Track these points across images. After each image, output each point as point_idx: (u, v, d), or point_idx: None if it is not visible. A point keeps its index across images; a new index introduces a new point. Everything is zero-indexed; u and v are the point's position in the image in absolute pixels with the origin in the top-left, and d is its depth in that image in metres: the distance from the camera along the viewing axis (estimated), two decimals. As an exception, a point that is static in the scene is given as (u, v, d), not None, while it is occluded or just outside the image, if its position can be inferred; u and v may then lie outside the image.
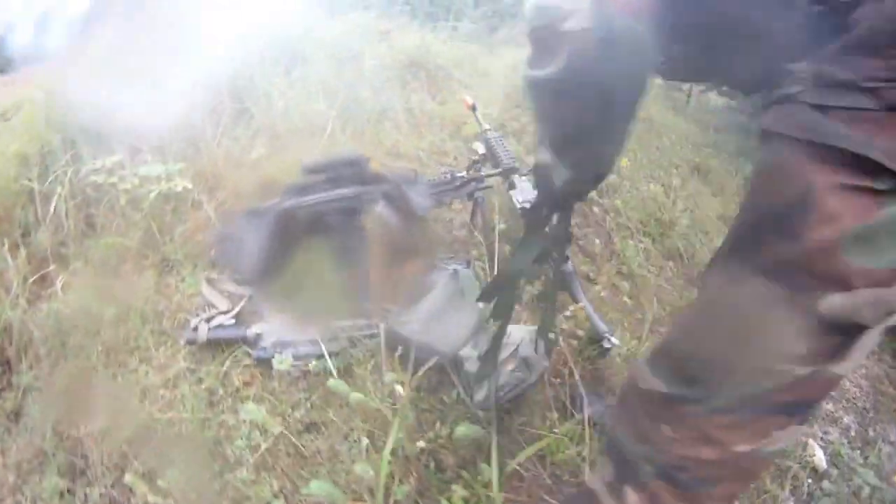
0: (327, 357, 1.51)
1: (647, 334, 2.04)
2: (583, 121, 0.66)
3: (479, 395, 1.43)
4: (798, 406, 0.68)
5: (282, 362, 1.48)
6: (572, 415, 1.63)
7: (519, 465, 1.44)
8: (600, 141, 0.69)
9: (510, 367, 1.38)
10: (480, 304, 1.63)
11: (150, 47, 1.62)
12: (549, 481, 1.47)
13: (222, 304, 1.69)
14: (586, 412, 1.58)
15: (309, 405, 1.49)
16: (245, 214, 1.88)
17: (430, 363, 1.40)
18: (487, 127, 2.26)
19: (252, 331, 1.60)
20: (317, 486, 1.20)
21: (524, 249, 0.98)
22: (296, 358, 1.55)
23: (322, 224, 1.84)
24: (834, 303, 0.56)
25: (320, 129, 2.11)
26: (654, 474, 0.76)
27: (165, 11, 1.67)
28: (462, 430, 1.30)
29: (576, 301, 1.81)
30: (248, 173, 1.85)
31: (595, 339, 1.77)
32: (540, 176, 0.79)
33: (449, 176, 1.94)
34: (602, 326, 1.75)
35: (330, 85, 2.26)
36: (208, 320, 1.60)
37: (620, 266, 2.31)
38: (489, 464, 1.35)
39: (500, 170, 1.99)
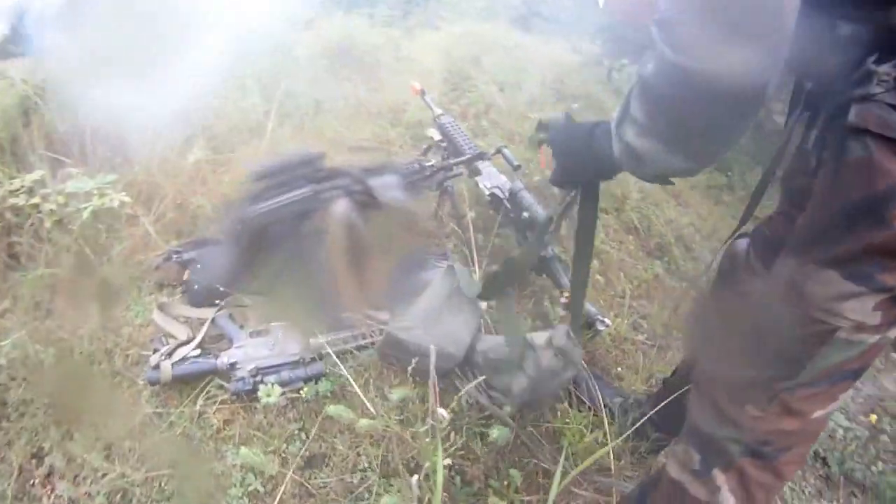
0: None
1: (627, 311, 2.02)
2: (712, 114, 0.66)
3: (517, 387, 1.32)
4: (862, 370, 0.77)
5: (269, 394, 1.28)
6: (581, 401, 1.56)
7: (538, 461, 1.36)
8: (725, 133, 0.70)
9: (546, 359, 1.27)
10: (481, 302, 1.52)
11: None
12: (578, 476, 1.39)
13: (181, 333, 1.45)
14: (600, 397, 1.52)
15: (304, 436, 1.31)
16: (202, 240, 1.67)
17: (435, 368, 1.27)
18: (440, 112, 2.14)
19: (223, 360, 1.38)
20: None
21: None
22: (281, 385, 1.36)
23: (281, 231, 1.66)
24: None
25: (259, 126, 1.89)
26: (740, 453, 0.82)
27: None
28: (495, 433, 1.19)
29: (559, 286, 1.74)
30: (187, 181, 1.61)
31: (588, 322, 1.72)
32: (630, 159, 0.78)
33: (417, 165, 1.81)
34: (592, 309, 1.70)
35: (262, 78, 2.05)
36: (169, 354, 1.36)
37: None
38: (517, 468, 1.25)
39: (468, 156, 1.88)
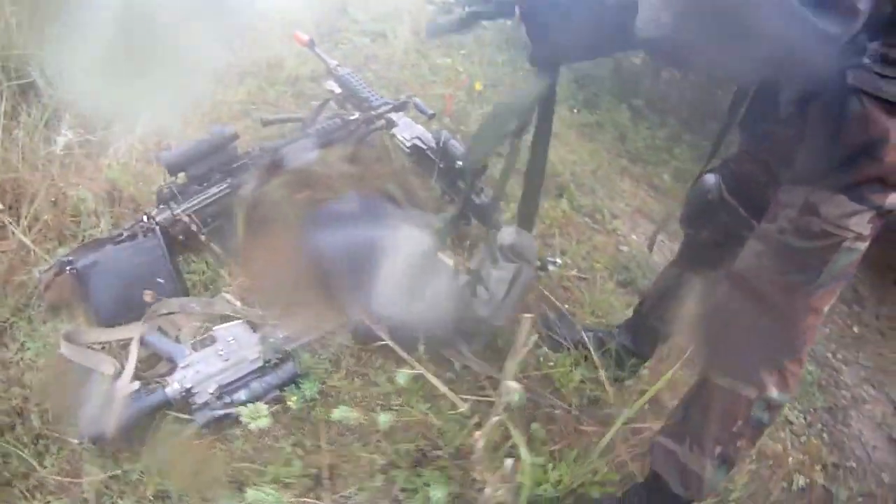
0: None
1: (550, 249, 2.05)
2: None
3: (484, 311, 1.25)
4: (853, 272, 0.97)
5: (255, 416, 1.06)
6: (555, 342, 1.55)
7: (539, 402, 1.34)
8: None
9: (498, 262, 1.20)
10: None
11: None
12: (575, 412, 1.38)
13: (105, 365, 1.14)
14: (589, 341, 1.52)
15: (300, 451, 1.11)
16: (97, 241, 1.32)
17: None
18: (335, 63, 1.93)
19: (175, 387, 1.11)
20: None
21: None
22: (254, 399, 1.14)
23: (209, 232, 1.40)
24: (893, 199, 0.89)
25: (128, 99, 1.53)
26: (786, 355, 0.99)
27: None
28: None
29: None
30: (59, 171, 1.24)
31: (540, 264, 1.70)
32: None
33: (339, 121, 1.61)
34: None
35: (113, 41, 1.65)
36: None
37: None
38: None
39: (390, 106, 1.72)
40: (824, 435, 1.80)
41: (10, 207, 1.22)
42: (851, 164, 0.88)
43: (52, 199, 1.26)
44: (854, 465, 1.75)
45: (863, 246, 0.93)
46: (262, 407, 1.08)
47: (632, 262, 2.09)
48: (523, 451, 0.88)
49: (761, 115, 1.07)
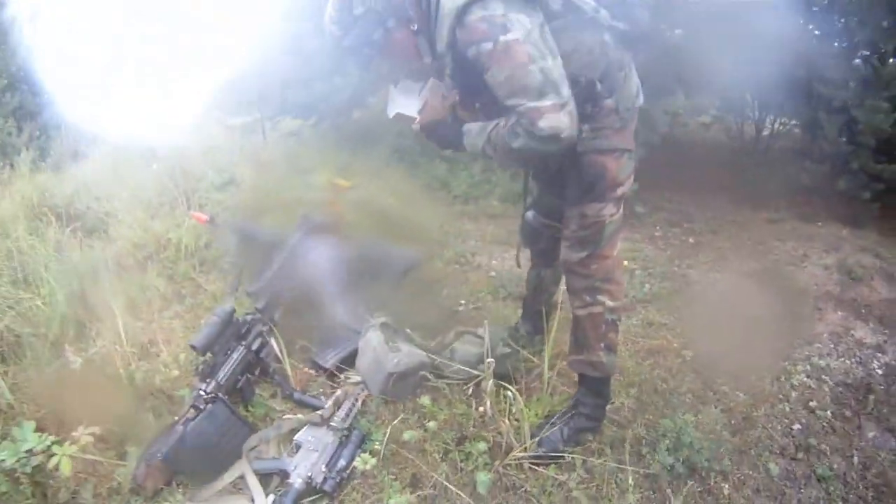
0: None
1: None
2: None
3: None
4: (620, 229, 1.70)
5: (366, 461, 1.62)
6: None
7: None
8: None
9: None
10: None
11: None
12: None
13: (239, 500, 1.59)
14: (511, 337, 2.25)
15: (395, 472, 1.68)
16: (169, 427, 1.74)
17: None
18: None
19: (300, 482, 1.60)
20: None
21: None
22: (349, 461, 1.69)
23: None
24: (619, 192, 1.61)
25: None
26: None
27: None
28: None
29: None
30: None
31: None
32: None
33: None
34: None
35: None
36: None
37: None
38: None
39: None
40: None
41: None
42: (595, 186, 1.59)
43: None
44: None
45: (618, 217, 1.63)
46: (368, 456, 1.64)
47: (503, 281, 2.82)
48: (517, 395, 1.58)
49: (543, 172, 1.83)
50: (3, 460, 1.55)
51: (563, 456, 1.72)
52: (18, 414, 1.86)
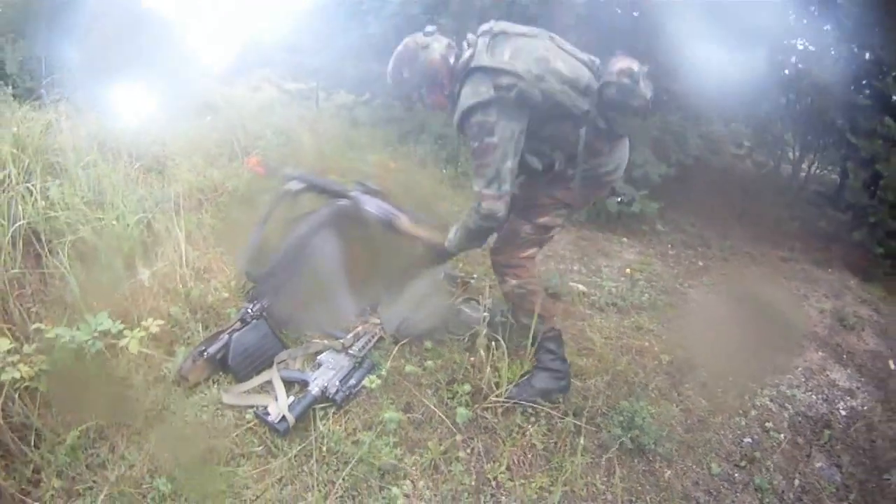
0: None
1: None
2: None
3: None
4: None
5: (372, 382, 2.18)
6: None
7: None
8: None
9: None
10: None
11: None
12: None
13: (263, 399, 2.13)
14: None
15: (392, 397, 2.20)
16: (216, 334, 2.30)
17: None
18: (290, 169, 2.97)
19: (316, 391, 2.11)
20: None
21: None
22: (359, 382, 2.21)
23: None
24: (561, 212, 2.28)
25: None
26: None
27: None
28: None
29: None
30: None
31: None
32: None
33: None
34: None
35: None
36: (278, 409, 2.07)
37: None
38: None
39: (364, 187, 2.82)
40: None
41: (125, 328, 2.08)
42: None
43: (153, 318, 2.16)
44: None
45: (534, 237, 2.24)
46: (374, 378, 2.16)
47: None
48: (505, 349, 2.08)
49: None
50: (72, 338, 2.02)
51: (531, 406, 2.22)
52: (87, 309, 2.39)
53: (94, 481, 1.83)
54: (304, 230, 2.48)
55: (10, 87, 4.45)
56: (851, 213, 4.49)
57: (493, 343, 2.29)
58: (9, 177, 2.78)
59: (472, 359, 2.36)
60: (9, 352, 1.90)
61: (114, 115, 3.93)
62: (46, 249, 2.55)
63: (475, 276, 3.04)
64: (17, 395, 1.90)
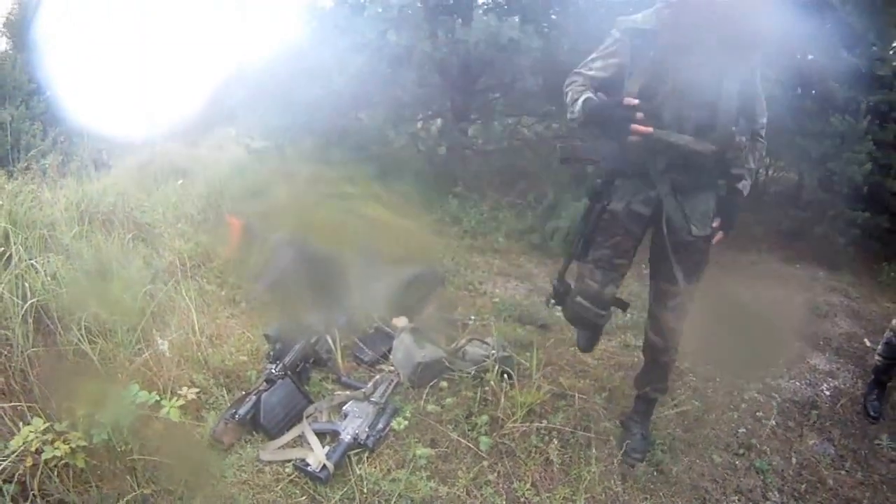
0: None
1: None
2: None
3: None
4: None
5: (399, 423, 2.52)
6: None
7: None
8: None
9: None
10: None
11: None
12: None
13: (298, 452, 2.46)
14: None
15: (417, 436, 2.56)
16: (244, 395, 2.62)
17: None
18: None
19: (348, 439, 2.44)
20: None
21: None
22: (386, 424, 2.56)
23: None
24: None
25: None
26: None
27: None
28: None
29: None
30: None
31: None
32: None
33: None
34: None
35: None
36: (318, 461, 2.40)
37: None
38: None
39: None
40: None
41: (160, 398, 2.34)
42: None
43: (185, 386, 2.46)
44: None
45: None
46: (399, 419, 2.51)
47: (505, 306, 3.73)
48: (515, 379, 2.47)
49: None
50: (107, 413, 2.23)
51: (544, 428, 2.61)
52: (110, 381, 2.65)
53: (145, 554, 2.04)
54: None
55: (-25, 159, 4.65)
56: (811, 210, 5.05)
57: (505, 375, 2.68)
58: (13, 253, 2.97)
59: (486, 388, 2.72)
60: (44, 431, 2.11)
61: (89, 182, 4.19)
62: (59, 326, 2.78)
63: (472, 317, 3.42)
64: (54, 473, 2.10)
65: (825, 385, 3.35)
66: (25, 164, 4.08)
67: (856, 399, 3.20)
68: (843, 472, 2.67)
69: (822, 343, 3.82)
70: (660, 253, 2.30)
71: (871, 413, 3.09)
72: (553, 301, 2.57)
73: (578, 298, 2.36)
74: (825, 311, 4.17)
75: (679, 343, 2.53)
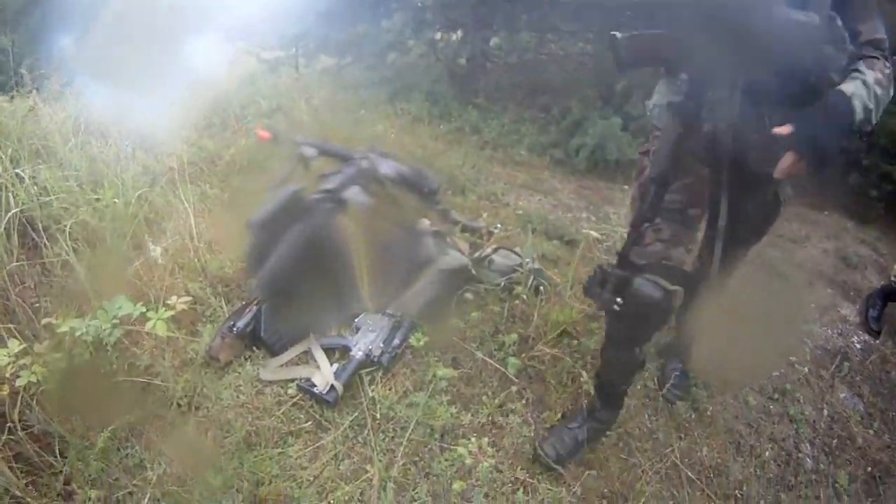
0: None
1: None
2: None
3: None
4: None
5: (419, 339, 2.17)
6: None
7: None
8: None
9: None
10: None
11: None
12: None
13: (306, 370, 2.12)
14: None
15: (437, 355, 2.22)
16: (242, 307, 2.23)
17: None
18: (301, 137, 2.93)
19: (360, 355, 2.10)
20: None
21: None
22: (402, 341, 2.20)
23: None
24: None
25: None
26: None
27: None
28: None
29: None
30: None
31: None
32: None
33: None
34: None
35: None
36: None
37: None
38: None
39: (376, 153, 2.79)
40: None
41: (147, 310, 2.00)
42: None
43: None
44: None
45: None
46: (418, 335, 2.16)
47: (530, 217, 3.38)
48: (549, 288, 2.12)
49: None
50: (89, 328, 1.93)
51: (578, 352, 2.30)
52: (98, 296, 2.31)
53: (134, 485, 1.75)
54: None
55: (-24, 81, 4.28)
56: (843, 158, 4.64)
57: (539, 289, 2.33)
58: None
59: (516, 301, 2.39)
60: (19, 354, 1.80)
61: (92, 96, 3.80)
62: (45, 237, 2.45)
63: (498, 225, 3.03)
64: (34, 401, 1.82)
65: (856, 338, 3.09)
66: (28, 88, 3.69)
67: (885, 357, 2.98)
68: (871, 432, 2.50)
69: (852, 294, 3.51)
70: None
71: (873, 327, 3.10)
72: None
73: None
74: (855, 262, 3.85)
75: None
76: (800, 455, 2.29)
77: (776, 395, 2.53)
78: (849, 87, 1.33)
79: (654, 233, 1.68)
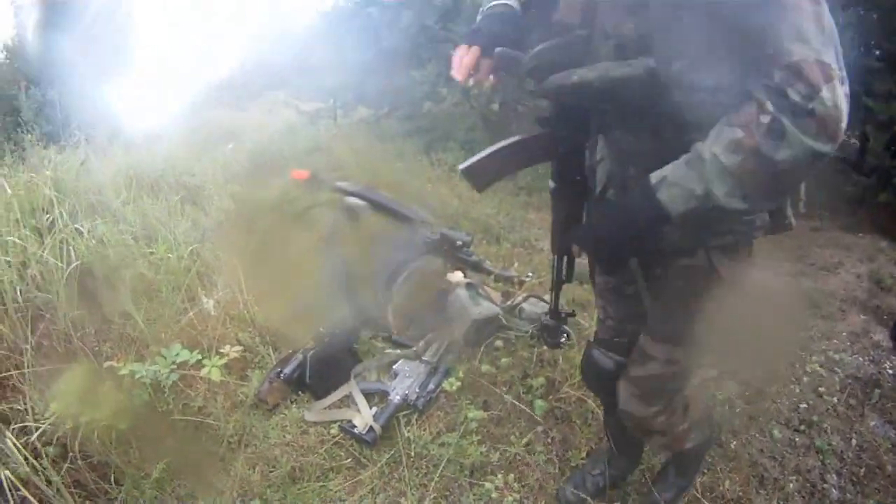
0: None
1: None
2: None
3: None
4: None
5: (452, 384, 2.32)
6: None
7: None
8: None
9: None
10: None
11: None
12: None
13: (346, 413, 2.28)
14: None
15: (470, 398, 2.35)
16: (289, 355, 2.45)
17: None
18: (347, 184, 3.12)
19: (397, 399, 2.25)
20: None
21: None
22: (437, 386, 2.35)
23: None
24: None
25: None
26: None
27: None
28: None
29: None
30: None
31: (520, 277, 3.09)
32: None
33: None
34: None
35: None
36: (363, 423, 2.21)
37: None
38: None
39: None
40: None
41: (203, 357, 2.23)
42: None
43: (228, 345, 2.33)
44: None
45: None
46: (452, 380, 2.30)
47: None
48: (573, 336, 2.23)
49: None
50: (148, 372, 2.16)
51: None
52: (154, 343, 2.53)
53: (186, 512, 1.92)
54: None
55: (28, 134, 4.61)
56: (875, 176, 4.63)
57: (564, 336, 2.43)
58: (57, 219, 2.92)
59: (543, 350, 2.51)
60: (84, 392, 2.02)
61: (138, 150, 4.08)
62: (104, 288, 2.67)
63: (530, 273, 3.17)
64: (94, 434, 1.99)
65: (888, 363, 3.04)
66: (76, 139, 3.99)
67: (921, 383, 2.91)
68: (902, 461, 2.45)
69: (886, 318, 3.46)
70: None
71: None
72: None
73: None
74: (889, 283, 3.79)
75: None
76: (825, 486, 2.28)
77: (802, 427, 2.53)
78: (666, 170, 1.07)
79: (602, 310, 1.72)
